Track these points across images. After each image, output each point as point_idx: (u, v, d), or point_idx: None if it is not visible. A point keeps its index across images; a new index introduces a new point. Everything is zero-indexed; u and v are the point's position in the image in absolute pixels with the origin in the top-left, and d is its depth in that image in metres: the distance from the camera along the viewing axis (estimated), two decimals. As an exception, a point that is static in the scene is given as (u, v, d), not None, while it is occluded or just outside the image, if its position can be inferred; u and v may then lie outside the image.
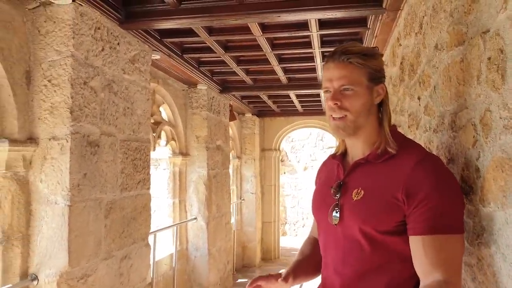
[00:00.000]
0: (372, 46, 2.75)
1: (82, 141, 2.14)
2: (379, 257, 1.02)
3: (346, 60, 1.06)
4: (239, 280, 5.96)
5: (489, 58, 0.92)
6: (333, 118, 1.09)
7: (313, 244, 1.32)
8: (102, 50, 2.36)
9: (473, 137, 1.04)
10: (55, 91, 2.08)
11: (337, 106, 1.06)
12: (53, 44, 2.10)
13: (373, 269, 1.02)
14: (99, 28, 2.31)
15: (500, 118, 0.86)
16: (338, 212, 1.08)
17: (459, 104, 1.16)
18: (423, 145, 1.62)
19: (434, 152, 1.45)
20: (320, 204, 1.19)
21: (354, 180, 1.09)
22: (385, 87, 1.11)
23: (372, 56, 1.07)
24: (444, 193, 0.94)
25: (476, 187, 1.03)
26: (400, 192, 0.97)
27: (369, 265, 1.03)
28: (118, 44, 2.54)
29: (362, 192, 1.05)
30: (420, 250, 0.94)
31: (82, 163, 2.13)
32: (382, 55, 1.15)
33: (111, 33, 2.45)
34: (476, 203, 1.04)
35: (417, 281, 0.98)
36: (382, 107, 1.11)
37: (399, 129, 2.28)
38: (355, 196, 1.06)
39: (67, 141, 2.04)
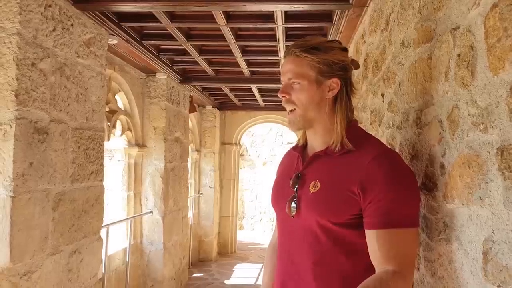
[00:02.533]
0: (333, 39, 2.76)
1: (29, 127, 1.97)
2: (335, 249, 1.03)
3: (293, 54, 1.07)
4: (195, 275, 5.88)
5: (458, 55, 0.92)
6: (288, 111, 1.12)
7: (274, 268, 1.26)
8: (54, 30, 2.18)
9: (439, 133, 1.04)
10: (-2, 71, 1.90)
11: (285, 99, 1.10)
12: (-4, 20, 1.91)
13: (329, 260, 1.03)
14: (50, 6, 2.14)
15: (469, 115, 0.86)
16: (296, 204, 1.08)
17: (425, 101, 1.16)
18: (385, 142, 1.64)
19: (397, 149, 1.46)
20: (279, 195, 1.18)
21: (312, 172, 1.10)
22: (341, 81, 1.08)
23: (323, 50, 1.06)
24: (399, 188, 0.96)
25: (440, 183, 1.04)
26: (356, 186, 0.98)
27: (325, 256, 1.04)
28: (72, 25, 2.36)
29: (319, 184, 1.05)
30: (374, 243, 0.96)
31: (28, 151, 1.96)
32: (342, 48, 1.12)
33: (64, 12, 2.27)
34: (440, 200, 1.04)
35: (372, 274, 0.98)
36: (337, 102, 1.09)
37: (361, 126, 2.31)
38: (312, 188, 1.06)
39: (11, 127, 1.87)
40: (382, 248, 0.95)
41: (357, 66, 1.16)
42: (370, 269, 0.99)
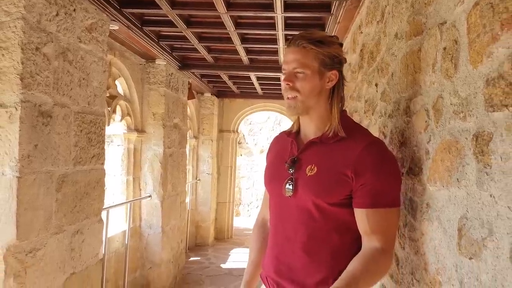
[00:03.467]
0: (333, 34, 2.82)
1: (33, 110, 2.03)
2: (327, 226, 1.15)
3: (300, 45, 1.15)
4: (192, 259, 6.00)
5: (444, 48, 0.99)
6: (287, 97, 1.20)
7: (262, 243, 1.37)
8: (57, 15, 2.22)
9: (425, 121, 1.12)
10: (3, 55, 1.94)
11: (289, 87, 1.18)
12: (1, 4, 1.94)
13: (321, 236, 1.15)
14: (53, -9, 2.17)
15: (451, 104, 0.94)
16: (292, 185, 1.18)
17: (414, 91, 1.23)
18: (377, 130, 1.71)
19: (388, 136, 1.54)
20: (273, 177, 1.28)
21: (308, 157, 1.20)
22: (338, 73, 1.19)
23: (326, 44, 1.16)
24: (386, 174, 1.10)
25: (425, 168, 1.12)
26: (350, 170, 1.09)
27: (318, 232, 1.15)
28: (74, 10, 2.40)
29: (315, 168, 1.16)
30: (364, 220, 1.10)
31: (33, 134, 2.02)
32: (340, 44, 1.22)
33: (67, -3, 2.31)
34: (424, 183, 1.12)
35: (358, 247, 1.13)
36: (333, 92, 1.19)
37: (355, 114, 2.38)
38: (308, 171, 1.17)
39: (16, 109, 1.93)
40: (371, 223, 1.09)
41: (345, 61, 1.26)
42: (356, 243, 1.14)
